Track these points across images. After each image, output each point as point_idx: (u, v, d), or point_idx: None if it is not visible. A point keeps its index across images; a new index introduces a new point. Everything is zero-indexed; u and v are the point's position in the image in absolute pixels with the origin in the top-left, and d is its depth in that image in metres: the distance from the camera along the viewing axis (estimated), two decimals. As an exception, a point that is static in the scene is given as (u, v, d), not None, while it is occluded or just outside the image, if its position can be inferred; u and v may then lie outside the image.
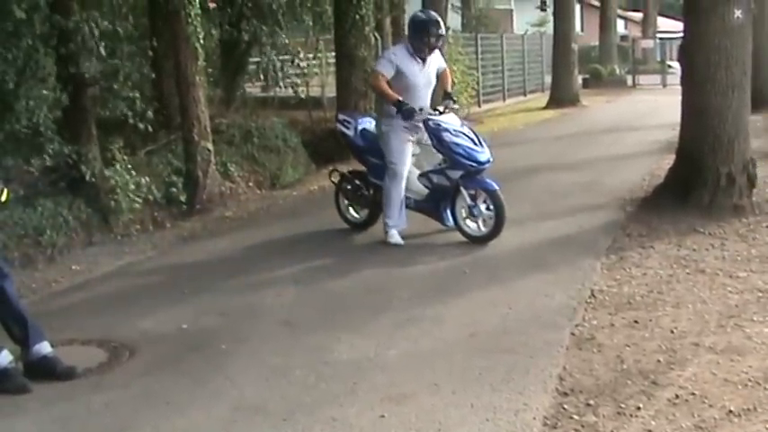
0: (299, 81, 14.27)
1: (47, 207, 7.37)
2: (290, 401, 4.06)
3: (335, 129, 8.31)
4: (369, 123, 7.50)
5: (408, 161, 7.02)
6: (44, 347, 4.51)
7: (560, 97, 20.64)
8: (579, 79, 23.32)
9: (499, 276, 6.05)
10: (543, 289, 5.67)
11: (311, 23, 14.48)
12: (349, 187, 7.57)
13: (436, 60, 7.13)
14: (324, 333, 4.99)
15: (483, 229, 6.88)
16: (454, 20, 23.06)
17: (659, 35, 33.65)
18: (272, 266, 6.59)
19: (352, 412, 3.91)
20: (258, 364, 4.57)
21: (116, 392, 4.28)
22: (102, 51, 7.77)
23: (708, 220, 7.21)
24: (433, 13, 7.17)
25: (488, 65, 20.96)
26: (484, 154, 6.85)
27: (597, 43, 31.33)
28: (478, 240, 6.86)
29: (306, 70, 15.09)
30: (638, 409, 3.82)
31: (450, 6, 17.31)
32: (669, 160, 8.39)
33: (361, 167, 7.60)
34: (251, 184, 10.20)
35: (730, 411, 3.76)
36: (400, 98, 6.77)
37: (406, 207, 7.09)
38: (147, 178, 8.55)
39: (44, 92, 7.41)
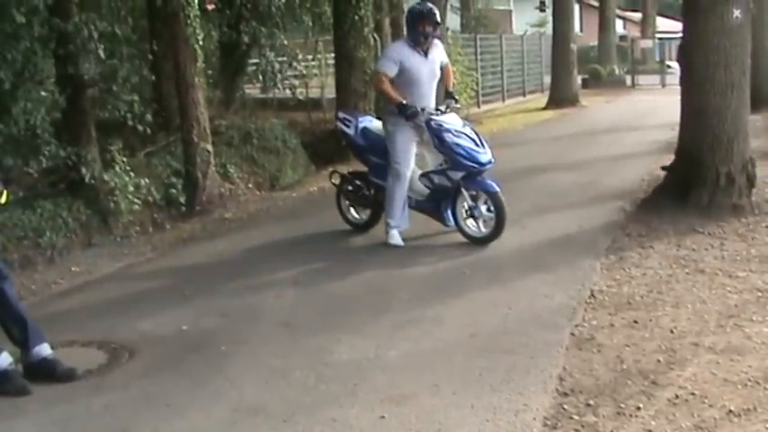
0: (296, 83, 14.29)
1: (46, 209, 7.37)
2: (290, 403, 4.06)
3: (335, 129, 8.31)
4: (369, 122, 7.49)
5: (412, 162, 7.02)
6: (44, 349, 4.51)
7: (560, 97, 20.66)
8: (578, 79, 23.34)
9: (499, 277, 6.05)
10: (543, 289, 5.67)
11: (310, 24, 14.48)
12: (350, 188, 7.56)
13: (439, 54, 7.12)
14: (324, 334, 4.99)
15: (483, 230, 6.88)
16: (453, 20, 23.10)
17: (658, 35, 33.69)
18: (272, 268, 6.59)
19: (353, 413, 3.91)
20: (258, 365, 4.57)
21: (116, 394, 4.28)
22: (102, 53, 7.77)
23: (707, 219, 7.21)
24: (428, 3, 7.10)
25: (487, 65, 20.96)
26: (485, 155, 6.85)
27: (596, 43, 31.34)
28: (479, 241, 6.86)
29: (305, 71, 15.10)
30: (638, 409, 3.82)
31: (449, 7, 17.30)
32: (668, 160, 8.38)
33: (362, 168, 7.60)
34: (250, 185, 10.20)
35: (730, 411, 3.76)
36: (403, 101, 6.77)
37: (408, 206, 7.09)
38: (147, 180, 8.55)
39: (42, 93, 7.40)
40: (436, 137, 6.83)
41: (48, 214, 7.32)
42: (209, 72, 12.22)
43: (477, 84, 18.69)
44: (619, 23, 37.94)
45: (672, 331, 4.79)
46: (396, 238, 6.97)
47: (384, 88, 6.91)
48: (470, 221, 6.92)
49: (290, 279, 6.25)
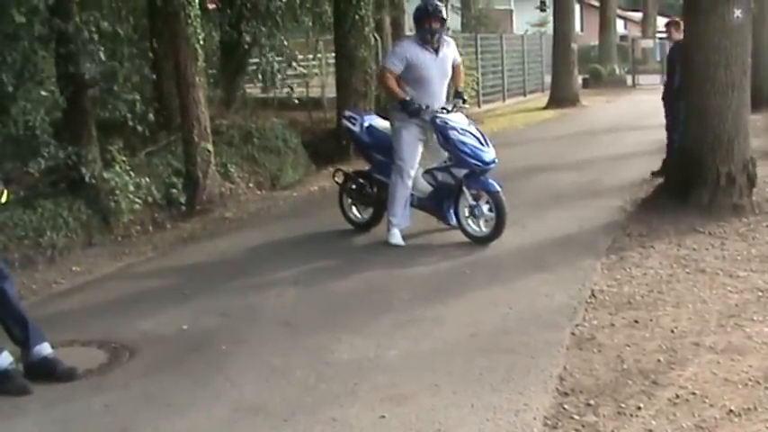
0: (295, 84, 14.28)
1: (47, 208, 7.38)
2: (291, 402, 4.06)
3: (336, 129, 8.33)
4: (375, 120, 7.52)
5: (417, 160, 7.01)
6: (44, 349, 4.51)
7: (560, 97, 20.65)
8: (579, 79, 23.33)
9: (500, 276, 6.05)
10: (544, 289, 5.67)
11: (311, 24, 14.48)
12: (353, 186, 7.56)
13: (452, 52, 7.11)
14: (324, 333, 4.99)
15: (484, 229, 6.88)
16: (454, 20, 23.10)
17: (659, 35, 33.62)
18: (273, 267, 6.59)
19: (353, 413, 3.90)
20: (258, 364, 4.57)
21: (116, 393, 4.28)
22: (102, 55, 7.77)
23: (708, 219, 7.20)
24: (434, 0, 7.02)
25: (488, 65, 20.96)
26: (489, 154, 6.85)
27: (597, 43, 31.34)
28: (479, 240, 6.86)
29: (306, 71, 15.10)
30: (639, 408, 3.82)
31: (450, 7, 17.31)
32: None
33: (365, 167, 7.62)
34: (251, 184, 10.20)
35: (731, 411, 3.75)
36: (407, 97, 6.78)
37: (410, 205, 7.09)
38: (147, 179, 8.56)
39: (42, 93, 7.40)
40: (441, 134, 6.83)
41: (48, 214, 7.33)
42: (210, 71, 12.23)
43: (477, 83, 18.70)
44: (619, 23, 37.95)
45: (672, 331, 4.79)
46: (396, 237, 6.97)
47: (389, 84, 6.92)
48: (471, 220, 6.93)
49: (291, 278, 6.25)
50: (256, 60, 13.35)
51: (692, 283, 5.68)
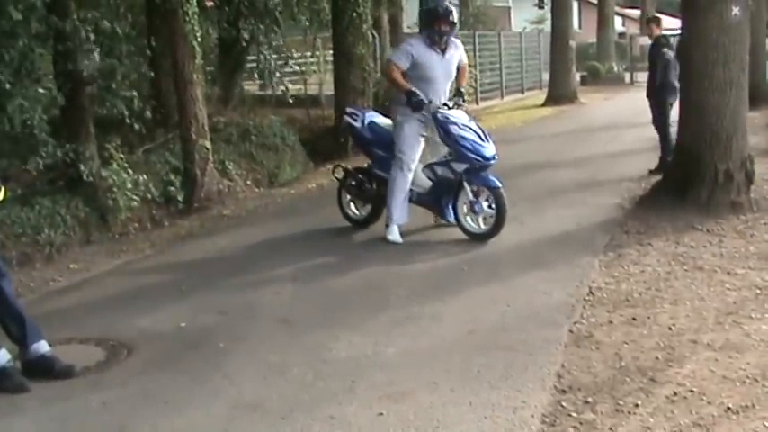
0: (291, 83, 14.25)
1: (45, 206, 7.37)
2: (289, 399, 4.05)
3: (334, 126, 8.32)
4: (376, 117, 7.54)
5: (417, 155, 7.02)
6: (42, 346, 4.51)
7: (558, 94, 20.65)
8: (577, 76, 23.32)
9: (498, 274, 6.05)
10: (542, 286, 5.67)
11: (308, 22, 14.47)
12: (353, 183, 7.57)
13: (458, 54, 7.13)
14: (322, 331, 4.99)
15: (483, 226, 6.88)
16: (452, 17, 23.05)
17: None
18: (271, 264, 6.59)
19: (351, 410, 3.90)
20: (256, 362, 4.57)
21: (114, 391, 4.28)
22: (98, 55, 7.76)
23: (706, 217, 7.21)
24: (445, 2, 7.12)
25: (486, 62, 20.97)
26: (489, 150, 6.86)
27: (595, 40, 31.32)
28: (478, 237, 6.86)
29: (303, 69, 15.09)
30: (637, 406, 3.82)
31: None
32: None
33: (364, 165, 7.63)
34: (249, 182, 10.20)
35: (728, 408, 3.76)
36: (412, 88, 6.80)
37: (409, 200, 7.10)
38: (145, 177, 8.56)
39: (40, 91, 7.38)
40: (442, 128, 6.84)
41: (46, 211, 7.32)
42: (208, 69, 12.21)
43: (475, 81, 18.69)
44: (617, 20, 37.91)
45: (670, 328, 4.79)
46: (395, 234, 6.97)
47: (394, 76, 6.95)
48: (470, 217, 6.93)
49: (289, 275, 6.25)
50: (254, 58, 13.34)
51: (689, 280, 5.69)
